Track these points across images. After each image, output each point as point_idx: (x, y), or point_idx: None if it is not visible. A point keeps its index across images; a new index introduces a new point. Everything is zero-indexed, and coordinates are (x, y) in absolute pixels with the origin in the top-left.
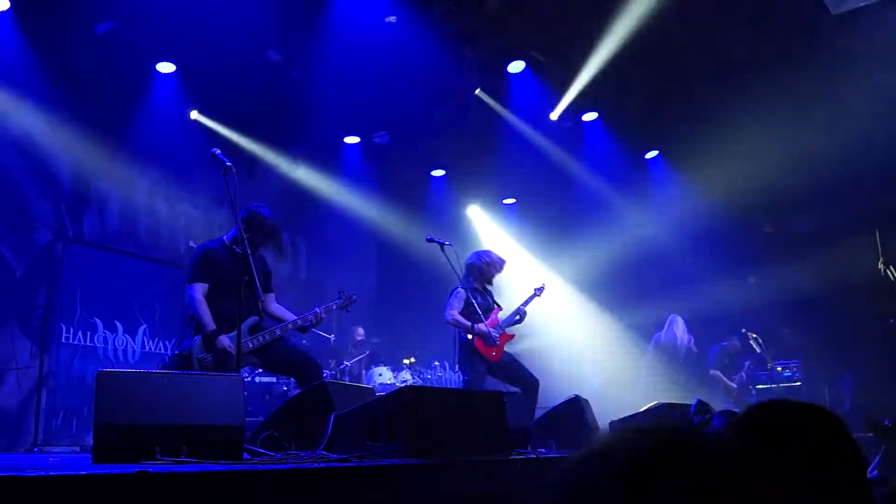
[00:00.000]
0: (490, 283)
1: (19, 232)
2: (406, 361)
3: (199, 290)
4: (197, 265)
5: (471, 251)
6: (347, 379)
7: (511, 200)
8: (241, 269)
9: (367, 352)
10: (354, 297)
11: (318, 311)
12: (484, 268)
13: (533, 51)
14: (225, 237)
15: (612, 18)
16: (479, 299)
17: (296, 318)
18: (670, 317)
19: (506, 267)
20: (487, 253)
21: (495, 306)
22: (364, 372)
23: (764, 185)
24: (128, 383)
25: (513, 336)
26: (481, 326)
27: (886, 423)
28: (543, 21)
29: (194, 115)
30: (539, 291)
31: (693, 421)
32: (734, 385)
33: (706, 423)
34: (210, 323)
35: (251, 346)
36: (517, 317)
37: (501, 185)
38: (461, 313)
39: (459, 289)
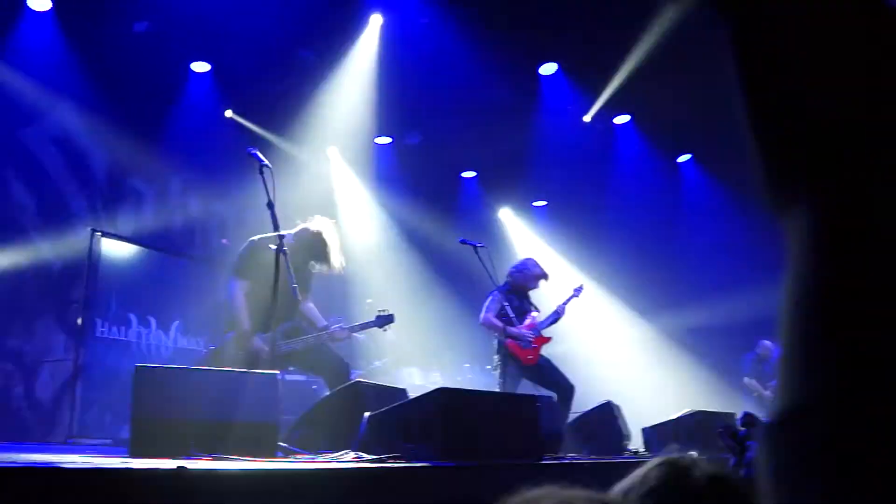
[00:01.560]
0: (528, 290)
1: (57, 227)
2: (436, 363)
3: (240, 286)
4: (241, 262)
5: (502, 254)
6: (378, 379)
7: (542, 203)
8: (282, 270)
9: (397, 352)
10: (393, 316)
11: (355, 327)
12: (520, 278)
13: (565, 53)
14: (270, 237)
15: (646, 20)
16: (516, 302)
17: (327, 323)
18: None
19: (542, 283)
20: (534, 265)
21: (532, 309)
22: (394, 372)
23: None
24: (165, 379)
25: (549, 339)
26: (514, 329)
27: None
28: (576, 23)
29: (228, 113)
30: (577, 292)
31: (740, 434)
32: (768, 393)
33: (750, 435)
34: (245, 321)
35: (284, 349)
36: (555, 317)
37: (532, 187)
38: (497, 316)
39: (496, 292)
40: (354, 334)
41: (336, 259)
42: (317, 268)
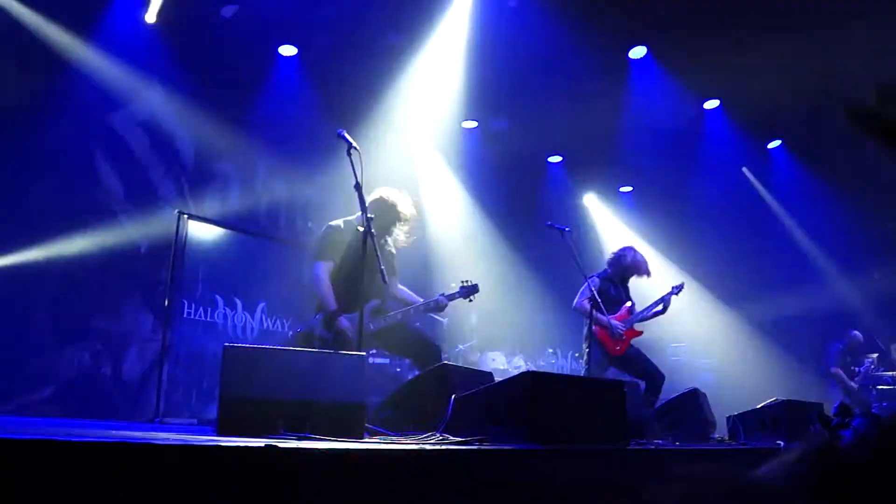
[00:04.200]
0: (627, 279)
1: (144, 209)
2: (519, 347)
3: (324, 268)
4: (323, 243)
5: (587, 240)
6: (461, 363)
7: (628, 188)
8: (366, 250)
9: (481, 336)
10: (477, 286)
11: (442, 298)
12: (628, 265)
13: (655, 36)
14: (353, 218)
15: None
16: (612, 291)
17: (419, 302)
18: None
19: (647, 275)
20: (634, 254)
21: (628, 300)
22: (478, 356)
23: (892, 177)
24: (253, 358)
25: (640, 333)
26: (606, 318)
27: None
28: (666, 6)
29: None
30: (677, 290)
31: (833, 423)
32: (854, 385)
33: (846, 425)
34: (331, 302)
35: (372, 328)
36: (653, 311)
37: (619, 172)
38: (590, 303)
39: (595, 278)
40: (438, 318)
41: (407, 219)
42: (397, 239)
